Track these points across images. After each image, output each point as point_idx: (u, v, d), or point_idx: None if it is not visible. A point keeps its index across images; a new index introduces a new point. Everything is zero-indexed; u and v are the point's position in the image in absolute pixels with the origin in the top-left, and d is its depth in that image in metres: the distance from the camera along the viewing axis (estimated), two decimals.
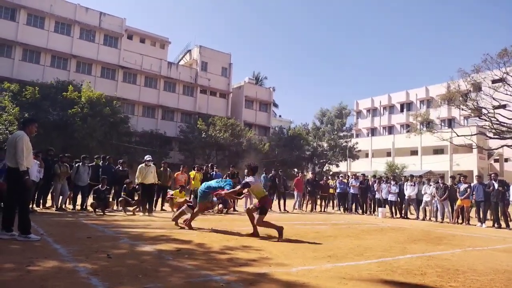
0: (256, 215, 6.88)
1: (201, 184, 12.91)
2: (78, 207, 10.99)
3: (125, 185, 11.10)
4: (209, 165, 15.09)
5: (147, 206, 10.76)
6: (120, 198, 11.06)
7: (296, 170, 25.70)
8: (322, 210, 16.39)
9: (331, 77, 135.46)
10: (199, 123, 34.88)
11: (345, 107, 44.43)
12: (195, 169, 13.62)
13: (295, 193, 16.13)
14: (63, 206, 10.71)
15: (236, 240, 6.34)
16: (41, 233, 6.01)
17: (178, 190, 12.11)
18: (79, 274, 3.64)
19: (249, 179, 7.12)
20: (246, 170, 7.86)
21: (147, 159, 10.77)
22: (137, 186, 10.86)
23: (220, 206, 12.74)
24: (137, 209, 10.88)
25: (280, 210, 14.78)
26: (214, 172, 14.00)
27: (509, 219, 11.92)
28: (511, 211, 12.06)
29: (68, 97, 26.56)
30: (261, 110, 47.43)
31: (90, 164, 11.63)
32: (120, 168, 12.22)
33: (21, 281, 3.32)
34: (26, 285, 3.21)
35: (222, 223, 9.31)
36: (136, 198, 10.99)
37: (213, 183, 7.79)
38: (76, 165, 11.10)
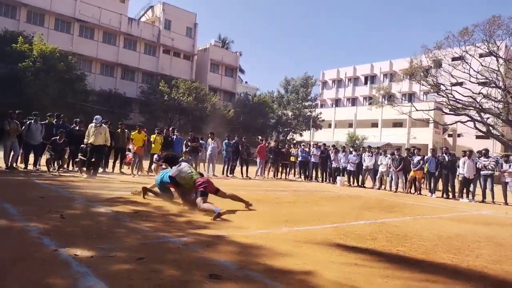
0: (199, 200, 5.80)
1: (161, 147, 12.82)
2: (30, 167, 10.50)
3: (82, 146, 10.67)
4: (170, 128, 14.81)
5: (91, 168, 10.31)
6: (77, 159, 10.66)
7: (260, 137, 25.97)
8: (284, 177, 16.76)
9: (299, 46, 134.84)
10: (161, 85, 33.78)
11: (311, 77, 44.61)
12: (156, 132, 13.33)
13: (258, 160, 16.30)
14: (14, 165, 10.17)
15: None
16: None
17: (136, 131, 12.31)
18: (29, 234, 3.51)
19: (171, 172, 6.31)
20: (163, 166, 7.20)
21: (96, 119, 10.38)
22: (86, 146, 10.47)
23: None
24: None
25: (242, 176, 14.93)
26: (174, 136, 13.76)
27: (455, 190, 12.76)
28: (457, 183, 12.86)
29: (17, 49, 24.65)
30: (227, 75, 46.63)
31: (43, 122, 11.01)
32: (77, 128, 11.67)
33: None
34: None
35: None
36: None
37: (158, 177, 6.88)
38: (28, 122, 10.45)
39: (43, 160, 10.57)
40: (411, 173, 13.27)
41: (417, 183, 13.32)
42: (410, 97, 49.33)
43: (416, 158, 13.23)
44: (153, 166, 12.56)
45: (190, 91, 34.05)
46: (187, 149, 13.58)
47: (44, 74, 24.45)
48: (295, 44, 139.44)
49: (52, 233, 3.56)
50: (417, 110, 35.10)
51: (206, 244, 3.65)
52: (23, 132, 10.25)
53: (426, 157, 13.25)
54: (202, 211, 5.45)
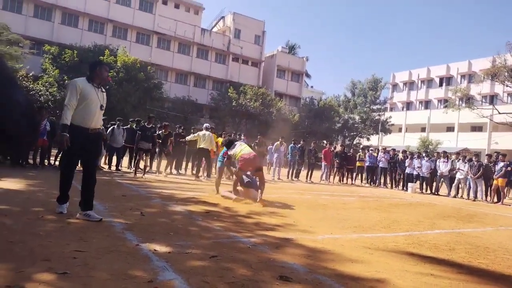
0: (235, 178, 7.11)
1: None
2: (113, 167, 11.49)
3: (159, 132, 11.56)
4: (237, 133, 15.24)
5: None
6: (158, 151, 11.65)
7: (325, 141, 25.62)
8: (350, 182, 16.32)
9: (367, 49, 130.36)
10: (230, 91, 34.93)
11: (380, 79, 42.88)
12: (222, 136, 13.79)
13: (323, 164, 16.08)
14: (99, 166, 11.21)
15: (262, 206, 6.45)
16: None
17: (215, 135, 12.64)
18: (114, 229, 3.86)
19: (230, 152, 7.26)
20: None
21: (206, 127, 11.53)
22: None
23: (248, 173, 12.97)
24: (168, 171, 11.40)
25: (306, 180, 14.84)
26: (242, 140, 14.16)
27: None
28: None
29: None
30: (293, 80, 46.69)
31: (125, 127, 12.01)
32: (160, 132, 12.49)
33: (63, 232, 3.57)
34: (67, 235, 3.44)
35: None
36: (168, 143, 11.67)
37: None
38: (111, 127, 11.49)
39: (124, 161, 11.50)
40: (494, 181, 12.15)
41: (500, 191, 12.16)
42: (492, 99, 45.11)
43: (500, 165, 12.09)
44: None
45: (257, 97, 34.77)
46: None
47: (126, 83, 26.67)
48: (364, 47, 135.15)
49: (134, 229, 3.88)
50: (499, 113, 32.02)
51: (274, 246, 3.71)
52: (107, 136, 11.28)
53: (510, 163, 12.05)
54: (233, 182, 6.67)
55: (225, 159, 7.85)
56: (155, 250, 3.18)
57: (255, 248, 3.56)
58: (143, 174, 10.20)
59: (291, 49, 51.85)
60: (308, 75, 55.81)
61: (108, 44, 30.65)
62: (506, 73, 31.80)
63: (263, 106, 34.83)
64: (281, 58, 45.59)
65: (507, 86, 33.37)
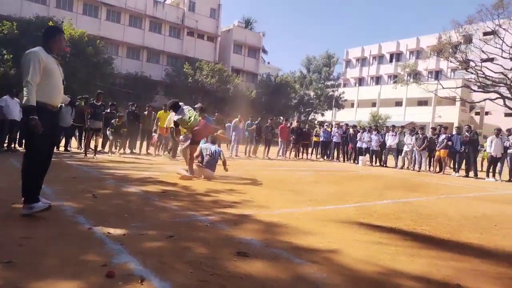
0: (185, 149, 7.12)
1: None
2: (61, 148, 10.93)
3: (112, 121, 11.08)
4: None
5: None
6: (110, 137, 11.12)
7: (282, 118, 25.85)
8: (305, 157, 16.76)
9: (323, 25, 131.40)
10: (185, 67, 34.01)
11: (333, 55, 43.65)
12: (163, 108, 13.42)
13: (279, 140, 16.32)
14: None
15: (221, 184, 6.48)
16: None
17: (162, 110, 12.23)
18: (65, 213, 3.70)
19: (174, 117, 7.17)
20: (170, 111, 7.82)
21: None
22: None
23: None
24: (122, 151, 11.01)
25: (264, 156, 15.02)
26: None
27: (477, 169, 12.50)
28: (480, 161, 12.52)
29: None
30: (250, 56, 46.28)
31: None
32: (108, 111, 11.96)
33: (7, 218, 3.37)
34: (12, 222, 3.26)
35: None
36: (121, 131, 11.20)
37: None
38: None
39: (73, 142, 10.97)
40: (437, 153, 13.00)
41: (442, 162, 13.06)
42: (437, 74, 47.65)
43: (442, 137, 12.93)
44: (179, 147, 12.75)
45: (213, 73, 34.15)
46: None
47: (73, 58, 25.03)
48: (319, 23, 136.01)
49: (86, 212, 3.75)
50: (443, 88, 33.97)
51: (232, 222, 3.76)
52: None
53: (451, 136, 12.93)
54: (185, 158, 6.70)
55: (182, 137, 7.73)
56: (109, 233, 3.10)
57: (213, 226, 3.59)
58: (94, 155, 9.81)
59: (248, 23, 51.09)
60: (265, 51, 55.55)
61: (52, 16, 28.36)
62: (450, 50, 33.54)
63: (220, 82, 34.36)
64: (237, 33, 44.86)
65: (451, 62, 35.30)
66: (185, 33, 40.44)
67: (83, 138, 11.28)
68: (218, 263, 2.59)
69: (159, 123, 12.37)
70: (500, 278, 2.67)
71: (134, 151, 12.29)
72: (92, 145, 10.26)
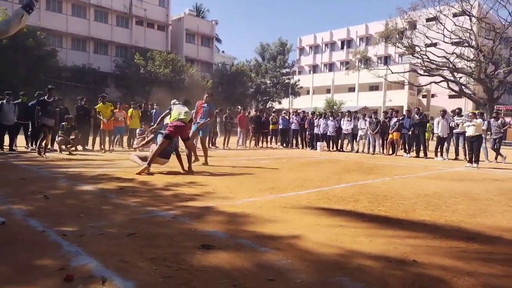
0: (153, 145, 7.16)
1: (140, 123, 12.63)
2: (6, 148, 10.21)
3: (63, 124, 10.45)
4: (149, 103, 14.59)
5: None
6: (59, 138, 10.39)
7: (239, 107, 25.88)
8: (265, 146, 16.90)
9: (275, 13, 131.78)
10: (136, 58, 32.80)
11: (286, 43, 44.01)
12: (132, 106, 13.07)
13: (238, 130, 16.31)
14: None
15: (181, 177, 6.37)
16: None
17: (101, 103, 11.61)
18: (14, 216, 3.47)
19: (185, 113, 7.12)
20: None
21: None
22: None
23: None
24: (73, 149, 10.44)
25: (224, 147, 14.96)
26: (154, 110, 13.57)
27: (427, 149, 13.26)
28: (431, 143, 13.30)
29: None
30: (203, 45, 45.56)
31: (16, 102, 10.61)
32: (62, 107, 11.28)
33: None
34: None
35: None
36: (73, 137, 10.46)
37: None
38: (0, 103, 10.06)
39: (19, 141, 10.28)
40: (389, 135, 13.61)
41: (395, 144, 13.71)
42: (386, 60, 49.64)
43: (393, 120, 13.54)
44: (136, 141, 12.40)
45: (166, 63, 33.25)
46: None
47: (12, 52, 23.27)
48: (272, 11, 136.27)
49: (38, 215, 3.53)
50: (392, 72, 35.45)
51: (195, 216, 3.71)
52: None
53: (402, 118, 13.57)
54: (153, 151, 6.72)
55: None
56: (64, 235, 2.94)
57: (175, 221, 3.52)
58: (44, 153, 9.24)
59: (199, 12, 50.17)
60: (218, 40, 55.01)
61: None
62: (397, 36, 34.98)
63: (174, 72, 33.57)
64: (189, 21, 43.88)
65: (398, 47, 36.86)
66: (134, 22, 38.98)
67: (31, 136, 10.60)
68: (182, 257, 2.55)
69: (100, 115, 11.55)
70: (451, 252, 2.86)
71: (86, 147, 11.73)
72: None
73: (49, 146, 10.05)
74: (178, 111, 7.04)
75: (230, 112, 16.36)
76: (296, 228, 3.35)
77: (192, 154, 7.52)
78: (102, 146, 11.52)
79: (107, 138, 11.94)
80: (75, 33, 35.19)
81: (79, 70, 32.50)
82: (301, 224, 3.52)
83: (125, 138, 13.12)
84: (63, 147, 10.29)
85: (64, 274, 2.17)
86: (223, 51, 63.88)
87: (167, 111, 7.33)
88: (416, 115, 12.99)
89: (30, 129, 10.92)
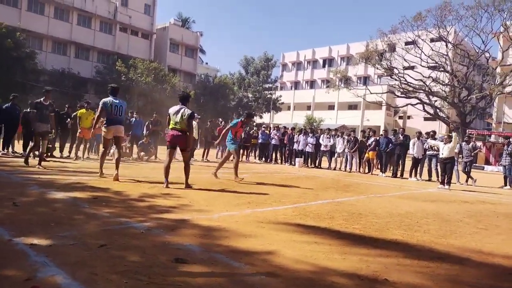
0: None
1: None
2: None
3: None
4: (129, 112, 14.31)
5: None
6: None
7: (220, 119, 25.84)
8: (244, 159, 16.85)
9: (260, 29, 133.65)
10: (118, 65, 32.45)
11: (271, 58, 44.54)
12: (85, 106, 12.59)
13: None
14: None
15: (157, 188, 6.27)
16: None
17: (84, 109, 11.14)
18: None
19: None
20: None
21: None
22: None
23: (142, 153, 12.43)
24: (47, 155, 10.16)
25: (202, 159, 14.85)
26: (133, 119, 13.35)
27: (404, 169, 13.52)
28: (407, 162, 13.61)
29: None
30: (187, 56, 45.55)
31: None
32: (28, 110, 10.89)
33: None
34: None
35: (144, 171, 9.10)
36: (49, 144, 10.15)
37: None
38: None
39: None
40: (366, 154, 13.86)
41: (371, 163, 13.96)
42: (365, 80, 50.91)
43: (371, 140, 13.82)
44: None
45: (148, 72, 32.98)
46: (147, 132, 13.29)
47: None
48: (257, 26, 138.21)
49: (6, 222, 3.41)
50: (371, 93, 36.34)
51: (169, 228, 3.66)
52: None
53: (379, 138, 13.86)
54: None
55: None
56: (32, 244, 2.85)
57: (149, 233, 3.46)
58: (39, 164, 8.22)
59: (185, 22, 50.28)
60: (202, 51, 55.17)
61: None
62: (376, 57, 36.04)
63: (156, 81, 33.32)
64: (174, 31, 43.91)
65: (377, 68, 37.92)
66: (118, 29, 38.68)
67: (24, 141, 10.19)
68: (154, 271, 2.50)
69: (80, 123, 11.01)
70: (422, 271, 2.92)
71: (62, 154, 11.41)
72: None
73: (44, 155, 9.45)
74: (175, 117, 6.59)
75: (211, 124, 16.26)
76: (271, 244, 3.35)
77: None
78: (78, 154, 11.19)
79: (82, 146, 11.60)
80: (56, 36, 34.54)
81: (58, 74, 31.83)
82: (276, 239, 3.52)
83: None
84: (37, 152, 9.96)
85: (30, 286, 2.10)
86: (206, 63, 64.09)
87: (168, 116, 6.79)
88: (400, 135, 13.24)
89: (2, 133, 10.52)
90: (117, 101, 7.01)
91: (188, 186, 6.55)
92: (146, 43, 41.22)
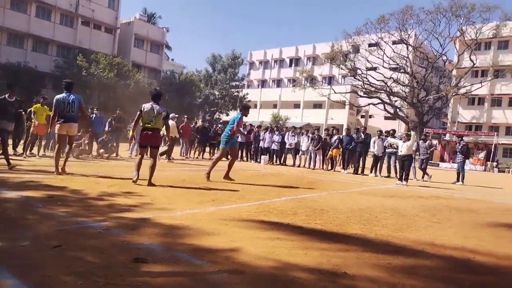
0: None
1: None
2: None
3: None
4: (89, 107, 13.80)
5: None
6: None
7: (185, 116, 25.55)
8: (210, 157, 16.72)
9: (228, 27, 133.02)
10: (79, 59, 31.17)
11: (238, 56, 44.48)
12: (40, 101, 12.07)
13: (181, 140, 15.98)
14: None
15: (117, 186, 6.09)
16: None
17: (39, 104, 10.69)
18: None
19: (144, 104, 6.67)
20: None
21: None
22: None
23: (101, 151, 12.03)
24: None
25: (167, 157, 14.55)
26: (94, 115, 12.86)
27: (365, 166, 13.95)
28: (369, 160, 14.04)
29: None
30: (152, 51, 44.53)
31: None
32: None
33: None
34: None
35: (104, 169, 8.81)
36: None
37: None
38: None
39: None
40: (329, 152, 14.17)
41: (334, 160, 14.30)
42: (330, 80, 52.03)
43: (334, 138, 14.15)
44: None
45: (111, 67, 31.91)
46: (109, 129, 12.86)
47: None
48: (224, 24, 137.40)
49: None
50: (335, 92, 37.19)
51: (129, 227, 3.56)
52: None
53: (342, 136, 14.22)
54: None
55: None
56: None
57: (108, 232, 3.35)
58: (8, 164, 7.54)
59: (150, 17, 49.12)
60: (168, 47, 54.12)
61: None
62: (341, 58, 36.94)
63: (119, 77, 32.33)
64: (139, 26, 42.79)
65: (341, 69, 38.83)
66: (79, 22, 37.15)
67: None
68: (112, 271, 2.42)
69: (35, 118, 10.47)
70: (379, 264, 3.02)
71: (16, 151, 10.80)
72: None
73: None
74: (148, 115, 6.52)
75: (177, 122, 15.88)
76: (235, 241, 3.34)
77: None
78: (32, 151, 10.66)
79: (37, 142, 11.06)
80: (12, 28, 32.67)
81: (14, 67, 30.12)
82: (240, 236, 3.52)
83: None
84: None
85: None
86: (172, 59, 62.99)
87: (139, 112, 6.64)
88: (361, 134, 13.61)
89: None
90: (70, 96, 6.95)
91: (151, 184, 6.41)
92: (109, 38, 39.87)
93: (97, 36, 38.47)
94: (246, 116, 8.34)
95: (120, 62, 33.46)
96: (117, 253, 2.81)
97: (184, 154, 15.90)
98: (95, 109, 13.42)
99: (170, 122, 11.85)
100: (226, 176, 8.11)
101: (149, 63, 43.67)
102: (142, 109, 6.57)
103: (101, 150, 12.06)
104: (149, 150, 6.94)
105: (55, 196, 4.82)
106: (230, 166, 8.28)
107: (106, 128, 13.07)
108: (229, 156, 8.69)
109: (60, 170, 6.93)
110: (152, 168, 6.59)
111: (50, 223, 3.51)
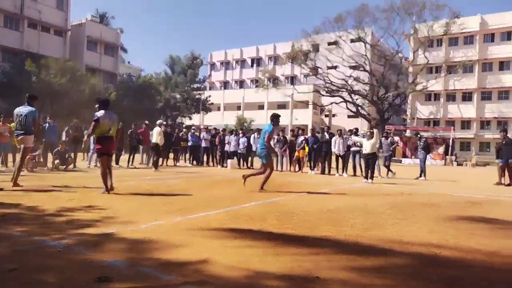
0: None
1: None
2: None
3: None
4: (41, 117, 13.04)
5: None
6: None
7: (147, 122, 24.94)
8: (174, 163, 16.37)
9: (186, 26, 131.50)
10: (27, 64, 29.39)
11: (197, 56, 43.84)
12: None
13: (141, 146, 15.52)
14: None
15: (77, 200, 5.77)
16: None
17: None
18: None
19: (98, 113, 6.53)
20: (96, 105, 6.93)
21: None
22: None
23: (57, 161, 11.44)
24: None
25: (128, 165, 14.06)
26: (47, 124, 12.17)
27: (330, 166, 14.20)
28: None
29: None
30: (107, 54, 42.97)
31: None
32: None
33: None
34: None
35: (61, 182, 8.36)
36: None
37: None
38: None
39: None
40: (296, 153, 14.28)
41: (301, 161, 14.43)
42: (292, 80, 52.71)
43: (300, 139, 14.28)
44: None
45: (63, 72, 30.39)
46: (66, 139, 12.24)
47: None
48: (183, 24, 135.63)
49: None
50: (298, 92, 37.72)
51: (91, 244, 3.36)
52: None
53: (307, 137, 14.38)
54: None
55: None
56: None
57: (68, 251, 3.14)
58: None
59: (103, 18, 47.37)
60: (124, 49, 52.57)
61: None
62: (302, 57, 37.55)
63: (72, 82, 30.84)
64: (91, 28, 41.15)
65: (303, 68, 39.49)
66: (26, 25, 35.07)
67: None
68: None
69: None
70: (350, 266, 3.03)
71: None
72: None
73: None
74: (106, 125, 6.50)
75: (136, 128, 15.28)
76: (204, 252, 3.24)
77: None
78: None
79: None
80: None
81: None
82: (209, 247, 3.42)
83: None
84: None
85: None
86: (129, 62, 61.32)
87: (94, 123, 6.41)
88: (326, 134, 13.78)
89: None
90: (23, 109, 7.11)
91: (111, 189, 6.46)
92: (60, 41, 38.01)
93: (46, 39, 36.53)
94: (277, 126, 8.16)
95: (72, 66, 31.93)
96: (78, 272, 2.64)
97: (146, 162, 15.42)
98: (48, 118, 12.72)
99: (157, 129, 11.72)
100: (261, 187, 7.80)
101: (104, 67, 42.11)
102: (99, 119, 6.39)
103: (57, 161, 11.47)
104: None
105: (8, 214, 4.50)
106: (267, 177, 7.90)
107: (63, 138, 12.45)
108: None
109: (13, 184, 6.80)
110: (110, 175, 6.58)
111: (4, 244, 3.26)
